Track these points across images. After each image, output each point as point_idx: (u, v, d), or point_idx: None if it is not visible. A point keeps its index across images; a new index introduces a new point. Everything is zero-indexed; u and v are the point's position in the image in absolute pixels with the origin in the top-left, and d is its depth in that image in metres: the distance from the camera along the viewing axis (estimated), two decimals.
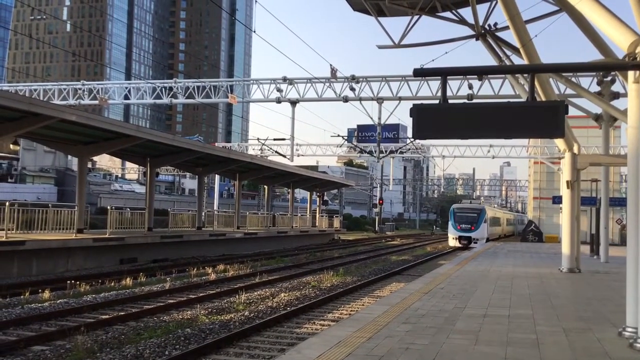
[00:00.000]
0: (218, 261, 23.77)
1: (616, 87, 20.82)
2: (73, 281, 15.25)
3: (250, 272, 19.82)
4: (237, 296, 14.30)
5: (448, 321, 8.45)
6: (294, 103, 36.98)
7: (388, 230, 78.22)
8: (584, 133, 39.54)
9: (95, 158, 68.02)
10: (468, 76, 30.61)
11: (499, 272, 16.79)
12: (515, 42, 13.98)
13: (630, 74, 7.61)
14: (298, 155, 49.94)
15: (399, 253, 33.95)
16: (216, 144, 57.81)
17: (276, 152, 50.99)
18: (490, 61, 16.66)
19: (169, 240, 25.30)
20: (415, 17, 17.20)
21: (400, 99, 34.73)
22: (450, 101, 6.90)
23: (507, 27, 14.57)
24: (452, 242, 40.97)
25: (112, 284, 15.90)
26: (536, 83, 13.72)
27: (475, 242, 39.61)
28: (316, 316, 12.31)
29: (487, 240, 42.35)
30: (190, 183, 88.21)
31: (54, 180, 60.87)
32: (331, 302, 14.28)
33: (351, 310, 12.85)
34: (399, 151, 57.88)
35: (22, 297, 13.38)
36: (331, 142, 66.32)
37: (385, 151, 53.37)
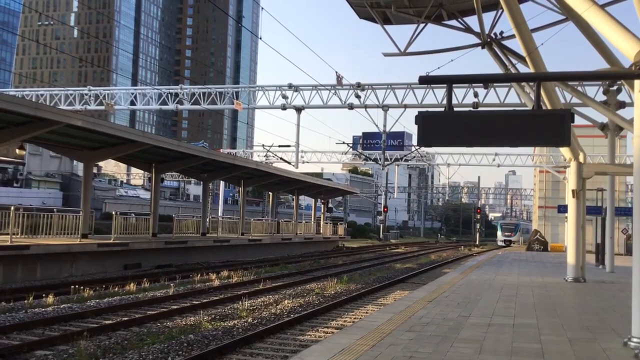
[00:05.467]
0: (222, 267, 23.75)
1: (622, 97, 20.78)
2: (77, 286, 15.24)
3: (254, 279, 19.78)
4: (240, 303, 14.25)
5: (452, 330, 8.40)
6: (299, 110, 36.99)
7: (392, 238, 78.16)
8: (589, 142, 39.53)
9: (100, 163, 67.97)
10: (473, 84, 30.60)
11: (504, 281, 16.72)
12: (521, 51, 13.98)
13: (637, 82, 7.57)
14: (303, 162, 49.98)
15: (403, 261, 33.84)
16: (221, 150, 57.89)
17: (281, 158, 51.01)
18: (496, 69, 16.67)
19: (173, 246, 25.31)
20: (421, 25, 17.26)
21: (405, 106, 34.68)
22: (455, 109, 6.89)
23: (513, 36, 14.59)
24: (500, 243, 66.33)
25: (116, 289, 15.90)
26: (542, 92, 13.72)
27: (513, 243, 63.42)
28: (320, 324, 12.27)
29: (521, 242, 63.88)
30: (195, 189, 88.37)
31: (59, 185, 61.10)
32: (335, 309, 14.22)
33: (355, 318, 12.81)
34: (403, 159, 57.76)
35: (25, 301, 13.38)
36: (336, 149, 66.33)
37: (390, 159, 53.30)
